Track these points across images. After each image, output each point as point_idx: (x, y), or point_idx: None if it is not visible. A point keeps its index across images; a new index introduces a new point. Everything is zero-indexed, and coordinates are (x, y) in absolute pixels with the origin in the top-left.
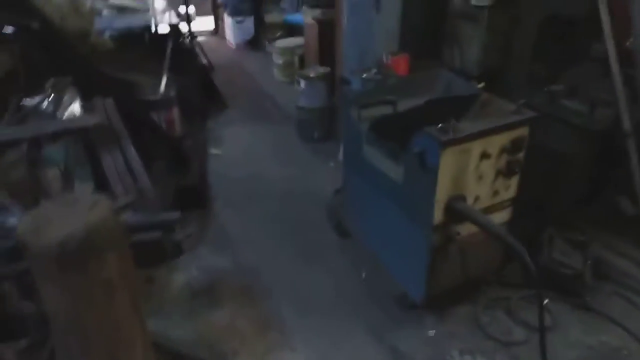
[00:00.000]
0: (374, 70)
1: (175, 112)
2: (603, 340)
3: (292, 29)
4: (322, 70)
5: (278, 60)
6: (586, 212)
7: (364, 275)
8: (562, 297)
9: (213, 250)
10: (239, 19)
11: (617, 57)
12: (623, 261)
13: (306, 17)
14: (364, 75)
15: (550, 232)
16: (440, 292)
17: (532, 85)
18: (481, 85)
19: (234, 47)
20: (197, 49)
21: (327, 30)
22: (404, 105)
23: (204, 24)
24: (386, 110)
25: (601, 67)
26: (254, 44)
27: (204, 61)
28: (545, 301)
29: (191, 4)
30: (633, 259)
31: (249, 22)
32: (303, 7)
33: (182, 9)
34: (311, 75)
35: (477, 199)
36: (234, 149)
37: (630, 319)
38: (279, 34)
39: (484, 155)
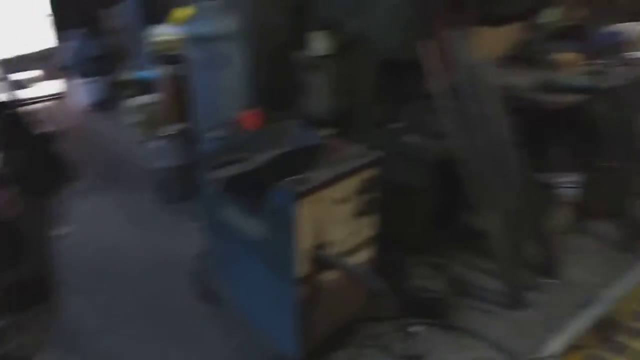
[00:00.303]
0: (224, 128)
1: (7, 193)
2: (473, 357)
3: (146, 86)
4: (178, 127)
5: (132, 119)
6: (444, 234)
7: None
8: (431, 321)
9: (63, 351)
10: (88, 79)
11: (446, 92)
12: (478, 275)
13: (159, 73)
14: (214, 134)
15: (412, 260)
16: (317, 342)
17: (377, 125)
18: (333, 131)
19: (85, 109)
20: (39, 117)
21: (181, 86)
22: (257, 160)
23: (50, 87)
24: (240, 167)
25: (435, 102)
26: (107, 104)
27: (48, 129)
28: (417, 329)
29: (34, 68)
30: (485, 272)
31: (100, 82)
32: (156, 63)
33: (19, 75)
34: (167, 133)
35: (339, 243)
36: (86, 223)
37: (492, 330)
38: (132, 92)
39: (340, 200)
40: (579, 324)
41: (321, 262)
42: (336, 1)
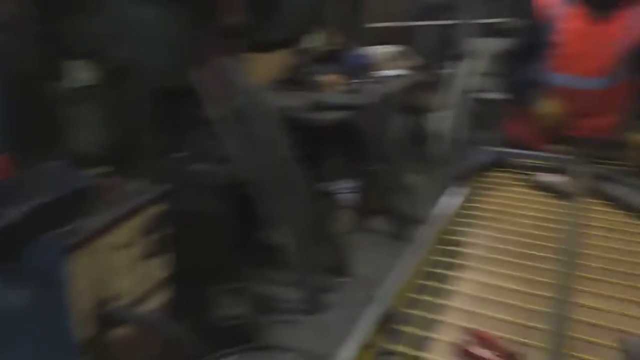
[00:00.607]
0: None
1: None
2: None
3: None
4: None
5: None
6: (243, 257)
7: None
8: (242, 347)
9: None
10: None
11: (226, 117)
12: (279, 289)
13: None
14: None
15: (214, 291)
16: None
17: (160, 156)
18: (108, 168)
19: None
20: None
21: None
22: (8, 216)
23: None
24: None
25: (216, 127)
26: None
27: None
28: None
29: None
30: (285, 283)
31: None
32: None
33: None
34: None
35: (127, 292)
36: None
37: (299, 338)
38: None
39: (122, 246)
40: (367, 320)
41: (107, 319)
42: (97, 26)
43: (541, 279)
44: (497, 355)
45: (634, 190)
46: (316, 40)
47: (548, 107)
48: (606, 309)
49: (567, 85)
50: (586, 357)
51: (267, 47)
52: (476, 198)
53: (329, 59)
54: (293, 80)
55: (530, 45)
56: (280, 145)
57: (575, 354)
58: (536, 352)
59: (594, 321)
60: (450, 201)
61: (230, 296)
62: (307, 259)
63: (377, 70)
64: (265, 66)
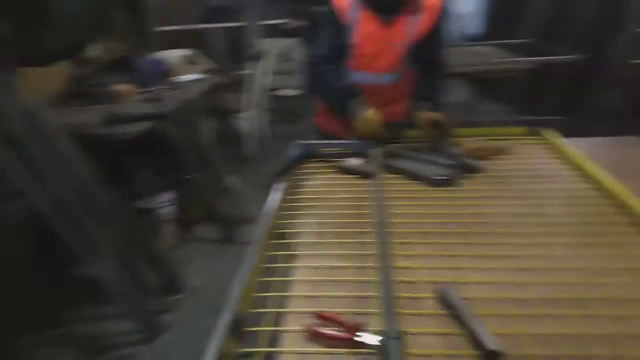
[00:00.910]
0: None
1: None
2: None
3: None
4: None
5: None
6: (56, 299)
7: None
8: None
9: None
10: None
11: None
12: (107, 324)
13: None
14: None
15: (27, 344)
16: None
17: None
18: None
19: None
20: None
21: None
22: None
23: None
24: None
25: None
26: None
27: None
28: None
29: None
30: (113, 317)
31: None
32: None
33: None
34: None
35: None
36: None
37: None
38: None
39: None
40: (219, 330)
41: None
42: None
43: (365, 251)
44: (343, 330)
45: (420, 163)
46: (99, 49)
47: (367, 116)
48: (419, 266)
49: (366, 82)
50: (413, 311)
51: (41, 59)
52: (296, 190)
53: (119, 67)
54: (80, 94)
55: (335, 47)
56: (75, 168)
57: (404, 311)
58: (374, 319)
59: (413, 279)
60: (274, 197)
61: (51, 345)
62: (134, 285)
63: (173, 76)
64: (42, 81)
